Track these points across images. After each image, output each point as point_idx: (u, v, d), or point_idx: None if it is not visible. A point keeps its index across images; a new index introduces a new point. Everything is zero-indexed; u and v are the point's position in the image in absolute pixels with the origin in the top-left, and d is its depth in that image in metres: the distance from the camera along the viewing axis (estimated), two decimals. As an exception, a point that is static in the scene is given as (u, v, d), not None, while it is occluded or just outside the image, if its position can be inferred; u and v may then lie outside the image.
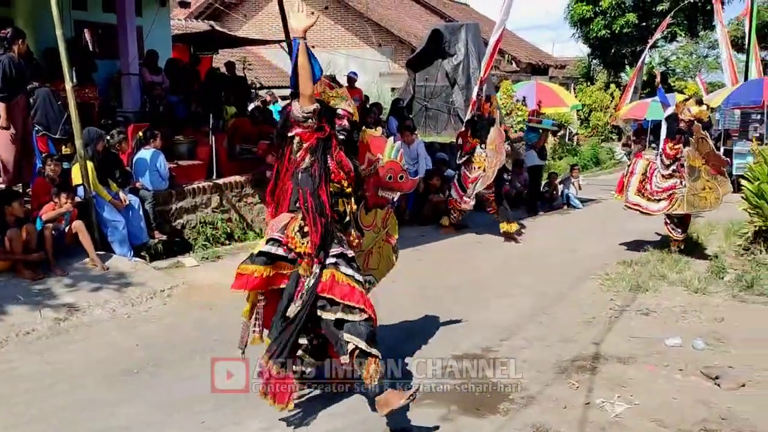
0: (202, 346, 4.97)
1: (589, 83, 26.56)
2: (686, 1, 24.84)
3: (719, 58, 21.80)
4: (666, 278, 6.72)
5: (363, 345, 3.49)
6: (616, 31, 26.43)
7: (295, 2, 3.67)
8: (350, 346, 3.52)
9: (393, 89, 18.88)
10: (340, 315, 3.56)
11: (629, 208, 8.07)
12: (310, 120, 3.62)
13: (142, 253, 7.29)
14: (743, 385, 4.23)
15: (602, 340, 5.10)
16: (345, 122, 3.83)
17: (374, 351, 3.53)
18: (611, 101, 23.14)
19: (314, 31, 20.39)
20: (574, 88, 25.51)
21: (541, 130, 11.69)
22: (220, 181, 8.77)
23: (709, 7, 17.10)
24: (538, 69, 25.66)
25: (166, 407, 4.01)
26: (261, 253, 3.66)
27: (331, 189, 3.73)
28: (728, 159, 10.01)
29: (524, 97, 15.72)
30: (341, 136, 3.82)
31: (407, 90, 14.13)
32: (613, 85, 24.98)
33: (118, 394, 4.20)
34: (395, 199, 4.42)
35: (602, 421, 3.81)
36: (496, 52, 9.63)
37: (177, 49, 12.50)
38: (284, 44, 12.49)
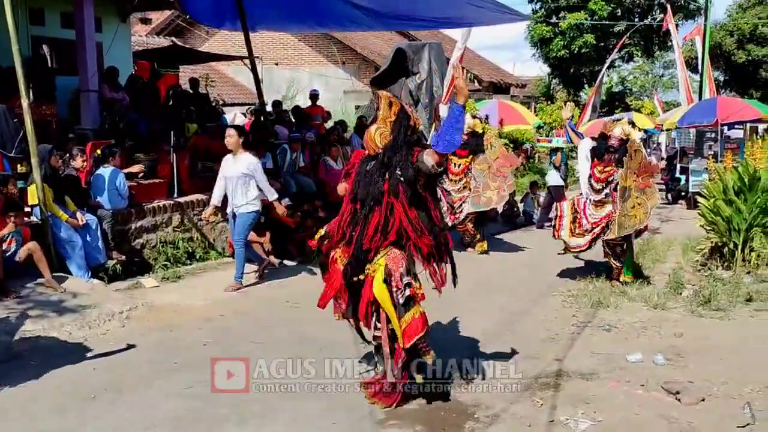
0: (161, 369, 4.85)
1: (549, 102, 27.04)
2: (641, 24, 25.61)
3: (674, 78, 22.41)
4: (626, 294, 6.82)
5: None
6: (575, 52, 27.07)
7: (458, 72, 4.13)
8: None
9: (357, 107, 18.95)
10: None
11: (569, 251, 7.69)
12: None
13: (100, 274, 7.10)
14: (703, 400, 4.30)
15: (565, 357, 5.14)
16: None
17: None
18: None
19: (278, 47, 20.56)
20: (535, 107, 25.95)
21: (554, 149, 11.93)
22: (182, 200, 8.63)
23: (664, 30, 17.58)
24: (499, 88, 26.06)
25: (123, 433, 3.89)
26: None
27: None
28: (662, 165, 9.95)
29: (486, 116, 15.97)
30: None
31: (371, 108, 14.16)
32: (572, 104, 25.47)
33: (73, 420, 4.07)
34: None
35: (566, 439, 3.83)
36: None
37: (140, 66, 12.35)
38: (247, 61, 12.42)
